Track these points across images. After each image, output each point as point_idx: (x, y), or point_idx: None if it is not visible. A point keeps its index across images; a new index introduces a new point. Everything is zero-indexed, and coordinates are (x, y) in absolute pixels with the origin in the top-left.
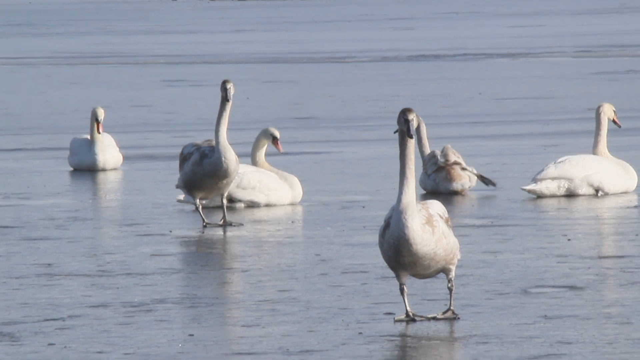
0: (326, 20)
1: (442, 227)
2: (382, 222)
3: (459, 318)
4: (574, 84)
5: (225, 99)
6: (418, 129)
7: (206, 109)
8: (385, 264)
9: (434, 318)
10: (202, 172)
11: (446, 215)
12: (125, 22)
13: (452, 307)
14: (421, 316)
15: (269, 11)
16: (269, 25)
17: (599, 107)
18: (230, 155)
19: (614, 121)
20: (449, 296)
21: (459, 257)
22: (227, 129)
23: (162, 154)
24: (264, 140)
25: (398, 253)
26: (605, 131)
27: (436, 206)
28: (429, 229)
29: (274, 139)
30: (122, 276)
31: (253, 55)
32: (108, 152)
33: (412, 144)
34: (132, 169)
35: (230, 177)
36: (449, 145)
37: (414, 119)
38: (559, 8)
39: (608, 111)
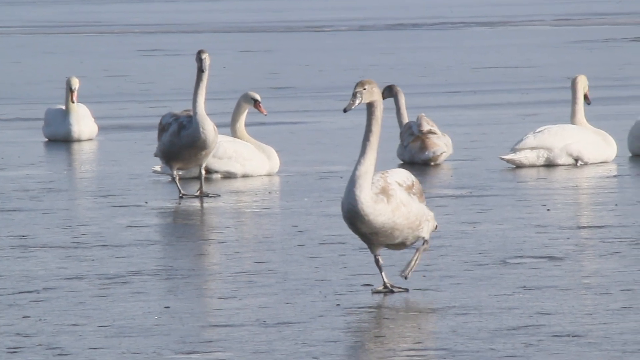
0: None
1: (400, 195)
2: None
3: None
4: (553, 52)
5: (200, 70)
6: (397, 98)
7: (182, 79)
8: None
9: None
10: (180, 143)
11: (408, 183)
12: None
13: (414, 261)
14: (399, 287)
15: None
16: None
17: (574, 79)
18: (208, 126)
19: (584, 96)
20: (417, 251)
21: (433, 223)
22: (204, 99)
23: (138, 125)
24: (244, 105)
25: (353, 224)
26: (582, 101)
27: (397, 174)
28: (383, 198)
29: (256, 102)
30: (97, 248)
31: (230, 24)
32: (83, 122)
33: (375, 117)
34: (108, 140)
35: (209, 148)
36: (423, 114)
37: (361, 91)
38: None
39: (582, 82)
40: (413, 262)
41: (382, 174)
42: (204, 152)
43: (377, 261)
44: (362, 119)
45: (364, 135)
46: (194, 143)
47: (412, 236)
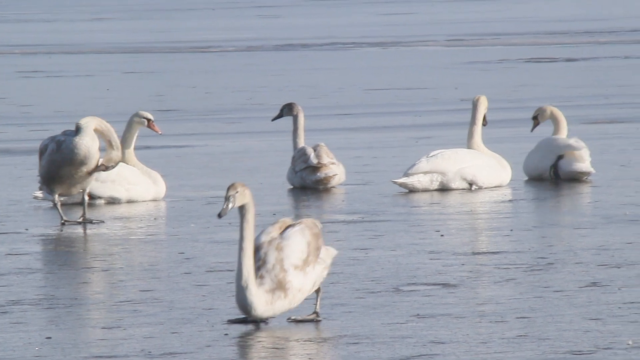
0: (189, 7)
1: (296, 284)
2: None
3: (319, 320)
4: (446, 73)
5: None
6: (296, 118)
7: (64, 101)
8: None
9: (294, 320)
10: (60, 159)
11: (304, 256)
12: None
13: (317, 310)
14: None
15: None
16: (129, 13)
17: (477, 99)
18: (86, 136)
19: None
20: (316, 297)
21: (328, 270)
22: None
23: (18, 149)
24: (136, 125)
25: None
26: (481, 123)
27: (293, 250)
28: (280, 294)
29: (149, 122)
30: None
31: (113, 44)
32: None
33: (245, 219)
34: None
35: (89, 163)
36: (323, 145)
37: (234, 194)
38: None
39: (484, 103)
40: (317, 302)
41: (278, 250)
42: (84, 169)
43: None
44: (249, 142)
45: (239, 239)
46: (74, 157)
47: None
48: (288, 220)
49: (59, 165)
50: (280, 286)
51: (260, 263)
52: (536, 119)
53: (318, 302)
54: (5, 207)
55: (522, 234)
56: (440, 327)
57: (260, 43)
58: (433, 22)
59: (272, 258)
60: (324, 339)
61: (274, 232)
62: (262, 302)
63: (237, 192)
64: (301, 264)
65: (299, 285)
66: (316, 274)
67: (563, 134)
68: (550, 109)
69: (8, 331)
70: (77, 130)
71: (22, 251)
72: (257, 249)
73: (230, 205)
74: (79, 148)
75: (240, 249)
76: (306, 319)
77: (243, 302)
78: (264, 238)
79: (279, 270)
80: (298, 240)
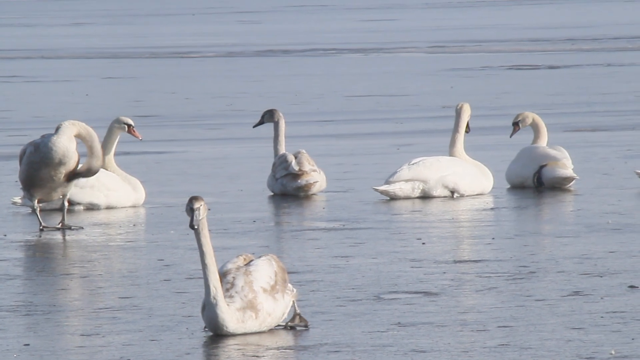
0: (169, 13)
1: (266, 307)
2: (230, 225)
3: (307, 326)
4: (428, 80)
5: None
6: (277, 124)
7: (43, 107)
8: None
9: (286, 326)
10: (38, 160)
11: (272, 282)
12: None
13: (297, 311)
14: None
15: (109, 4)
16: (109, 19)
17: (460, 106)
18: (62, 136)
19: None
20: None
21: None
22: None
23: None
24: (117, 131)
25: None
26: (464, 131)
27: (261, 275)
28: (252, 314)
29: (129, 127)
30: None
31: (92, 49)
32: None
33: (203, 235)
34: None
35: (68, 163)
36: (304, 151)
37: (200, 207)
38: (413, 2)
39: (468, 110)
40: (295, 306)
41: (246, 275)
42: (63, 169)
43: None
44: (229, 148)
45: (200, 256)
46: (51, 155)
47: None
48: (251, 255)
49: (38, 167)
50: (251, 306)
51: (228, 286)
52: (517, 125)
53: (295, 306)
54: None
55: (503, 242)
56: (422, 335)
57: (241, 49)
58: (415, 29)
59: (240, 281)
60: (304, 347)
61: (239, 262)
62: (233, 319)
63: (201, 205)
64: (270, 289)
65: (270, 309)
66: (285, 304)
67: (543, 142)
68: (533, 115)
69: None
70: (56, 131)
71: (0, 257)
72: (224, 275)
73: (198, 214)
74: (56, 146)
75: (204, 265)
76: (296, 324)
77: (213, 319)
78: (231, 266)
79: (248, 291)
80: (266, 267)
